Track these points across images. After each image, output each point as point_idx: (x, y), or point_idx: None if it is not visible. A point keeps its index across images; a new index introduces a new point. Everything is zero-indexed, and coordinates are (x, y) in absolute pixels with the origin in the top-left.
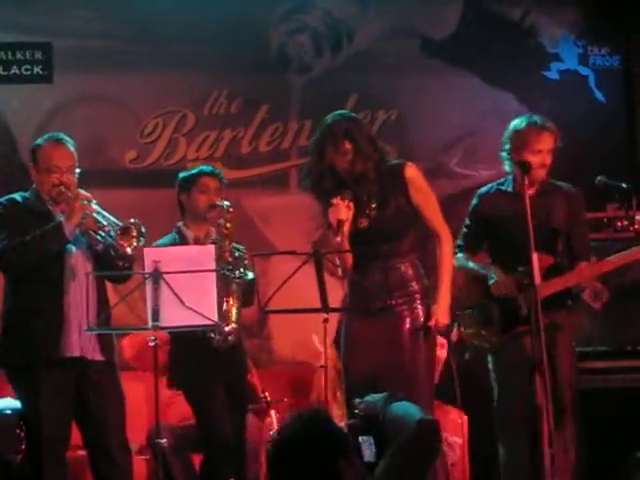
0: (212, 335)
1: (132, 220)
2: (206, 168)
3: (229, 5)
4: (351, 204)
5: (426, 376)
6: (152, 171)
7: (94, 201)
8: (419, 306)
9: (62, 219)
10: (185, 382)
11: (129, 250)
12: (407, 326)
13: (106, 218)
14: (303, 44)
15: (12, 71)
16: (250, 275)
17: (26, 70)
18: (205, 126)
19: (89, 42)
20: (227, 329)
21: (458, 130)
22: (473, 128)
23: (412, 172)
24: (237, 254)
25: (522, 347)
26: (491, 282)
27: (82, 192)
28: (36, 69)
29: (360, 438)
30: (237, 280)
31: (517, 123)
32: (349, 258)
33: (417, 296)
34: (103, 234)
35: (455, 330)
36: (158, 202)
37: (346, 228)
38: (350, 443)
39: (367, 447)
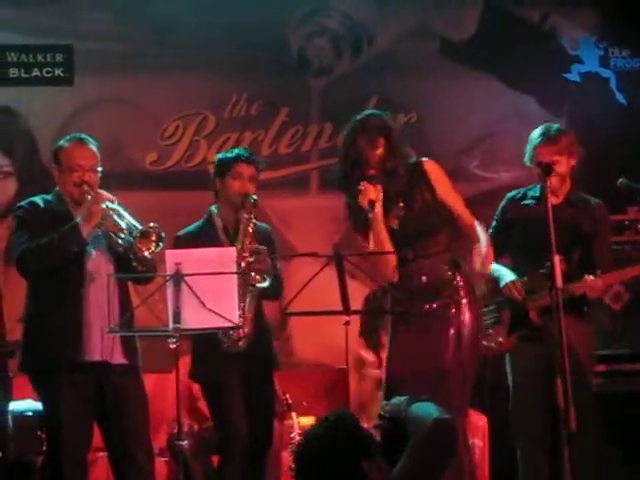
0: (223, 339)
1: (152, 224)
2: (242, 153)
3: (249, 8)
4: (379, 187)
5: (462, 378)
6: (172, 173)
7: (116, 202)
8: (465, 305)
9: (78, 220)
10: (203, 378)
11: (147, 254)
12: (452, 329)
13: (126, 221)
14: (323, 47)
15: (33, 73)
16: (266, 283)
17: (47, 72)
18: (225, 128)
19: (110, 45)
20: (237, 336)
21: (478, 132)
22: (493, 130)
23: (431, 166)
24: (253, 258)
25: (536, 352)
26: (502, 284)
27: (103, 193)
28: (57, 71)
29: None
30: (250, 287)
31: (530, 138)
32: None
33: (462, 294)
34: (123, 236)
35: None
36: (179, 204)
37: (378, 209)
38: (375, 445)
39: None
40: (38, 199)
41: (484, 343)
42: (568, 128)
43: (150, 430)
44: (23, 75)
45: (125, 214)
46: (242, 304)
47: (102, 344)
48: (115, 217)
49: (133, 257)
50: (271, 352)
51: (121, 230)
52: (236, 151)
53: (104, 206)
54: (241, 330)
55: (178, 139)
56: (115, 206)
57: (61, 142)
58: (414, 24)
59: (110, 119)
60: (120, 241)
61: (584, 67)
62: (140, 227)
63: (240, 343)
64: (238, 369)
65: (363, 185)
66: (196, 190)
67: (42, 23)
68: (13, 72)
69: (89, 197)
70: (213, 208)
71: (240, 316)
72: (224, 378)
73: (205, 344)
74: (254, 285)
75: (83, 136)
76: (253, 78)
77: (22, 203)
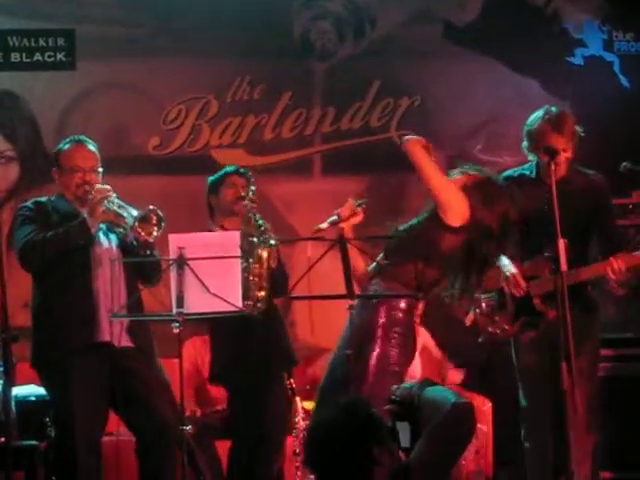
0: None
1: (150, 207)
2: (230, 168)
3: None
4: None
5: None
6: (175, 158)
7: (113, 194)
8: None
9: (86, 215)
10: (225, 378)
11: (148, 238)
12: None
13: (125, 209)
14: (326, 30)
15: (35, 58)
16: (272, 241)
17: (49, 57)
18: (228, 112)
19: (112, 29)
20: (257, 294)
21: (482, 116)
22: (497, 114)
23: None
24: (258, 223)
25: (539, 339)
26: (502, 277)
27: (99, 187)
28: (59, 56)
29: (397, 424)
30: (261, 246)
31: (531, 121)
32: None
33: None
34: (125, 225)
35: (471, 313)
36: (181, 188)
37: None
38: (386, 430)
39: (403, 433)
40: (42, 199)
41: (489, 329)
42: (569, 111)
43: (173, 410)
44: (25, 59)
45: (124, 204)
46: (256, 266)
47: (110, 329)
48: (115, 208)
49: (136, 243)
50: (290, 348)
51: (123, 220)
52: (224, 169)
53: (104, 202)
54: (257, 293)
55: (181, 123)
56: (113, 198)
57: (61, 145)
58: (417, 7)
59: (112, 103)
60: (123, 230)
61: (588, 51)
62: (137, 212)
63: (259, 305)
64: (258, 367)
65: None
66: (199, 174)
67: (44, 7)
68: (15, 56)
69: (90, 197)
70: (211, 226)
71: (256, 277)
72: (241, 375)
73: (222, 345)
74: (264, 242)
75: (82, 138)
76: (256, 62)
77: (26, 203)
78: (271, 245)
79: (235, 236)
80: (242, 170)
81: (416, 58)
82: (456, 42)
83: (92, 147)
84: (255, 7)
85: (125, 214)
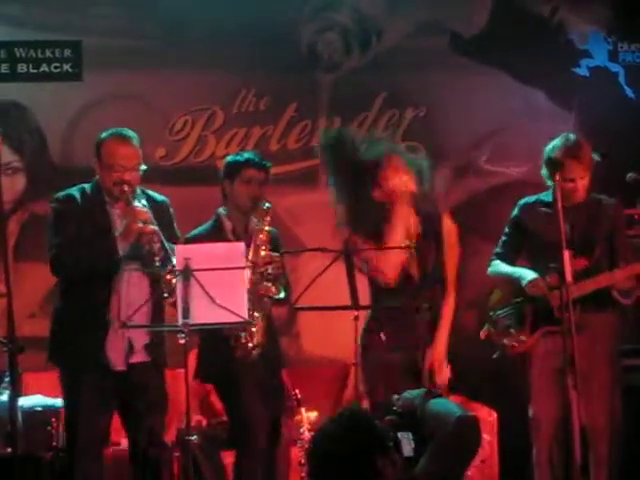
0: (234, 345)
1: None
2: (253, 158)
3: (258, 3)
4: None
5: None
6: (181, 168)
7: (150, 220)
8: None
9: (117, 234)
10: (213, 379)
11: (171, 285)
12: None
13: (157, 246)
14: (332, 42)
15: (42, 69)
16: (282, 294)
17: (55, 68)
18: (234, 123)
19: (118, 41)
20: (250, 346)
21: (487, 127)
22: (502, 125)
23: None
24: (270, 270)
25: (555, 349)
26: (524, 282)
27: (140, 210)
28: (66, 67)
29: (399, 434)
30: (265, 299)
31: (550, 149)
32: None
33: None
34: (155, 260)
35: (484, 330)
36: (187, 199)
37: None
38: (388, 440)
39: (406, 443)
40: (75, 191)
41: (505, 342)
42: (578, 126)
43: (162, 426)
44: (31, 71)
45: (162, 237)
46: (257, 315)
47: (127, 353)
48: (152, 237)
49: (164, 286)
50: (279, 352)
51: (153, 253)
52: (246, 155)
53: (140, 224)
54: (254, 339)
55: (187, 134)
56: (152, 227)
57: (103, 135)
58: (423, 19)
59: (119, 114)
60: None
61: (593, 61)
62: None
63: (254, 352)
64: (248, 367)
65: None
66: (205, 185)
67: (50, 19)
68: (21, 68)
69: (129, 199)
70: (221, 210)
71: (250, 316)
72: (236, 376)
73: (213, 346)
74: (271, 297)
75: (125, 132)
76: (262, 73)
77: (59, 194)
78: (276, 300)
79: (240, 247)
80: (263, 162)
81: (422, 69)
82: (462, 53)
83: (135, 142)
84: (262, 18)
85: (155, 249)
